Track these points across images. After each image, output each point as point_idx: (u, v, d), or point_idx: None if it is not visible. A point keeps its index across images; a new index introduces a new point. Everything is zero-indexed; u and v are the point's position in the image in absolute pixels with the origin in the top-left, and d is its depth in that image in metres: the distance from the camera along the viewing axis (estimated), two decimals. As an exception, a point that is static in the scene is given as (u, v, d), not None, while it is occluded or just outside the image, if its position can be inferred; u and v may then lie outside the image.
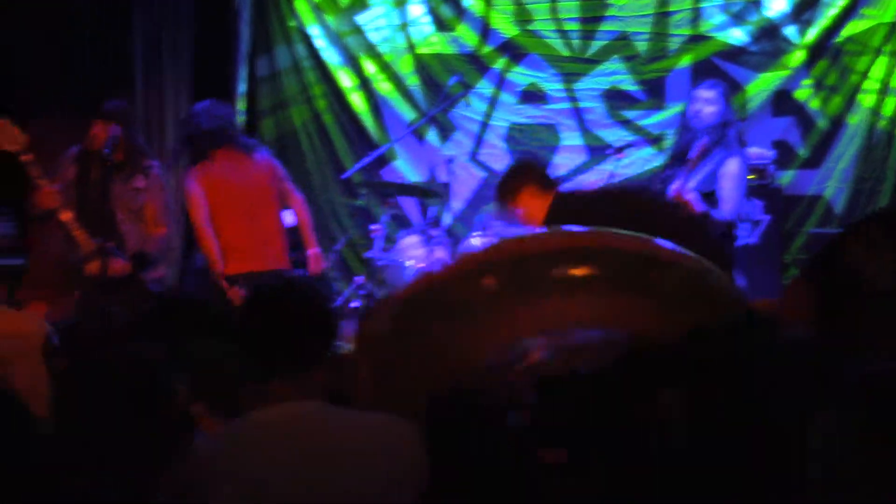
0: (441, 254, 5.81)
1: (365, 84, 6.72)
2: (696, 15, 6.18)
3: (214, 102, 4.97)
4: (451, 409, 2.03)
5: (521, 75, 6.52)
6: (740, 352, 1.40)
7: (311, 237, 5.14)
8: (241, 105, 6.68)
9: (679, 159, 4.73)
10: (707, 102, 4.65)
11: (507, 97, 6.57)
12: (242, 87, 6.73)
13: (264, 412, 2.09)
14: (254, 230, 4.81)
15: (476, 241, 5.45)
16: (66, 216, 4.49)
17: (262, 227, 4.80)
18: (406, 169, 6.72)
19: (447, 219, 6.41)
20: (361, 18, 6.72)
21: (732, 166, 4.56)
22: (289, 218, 5.84)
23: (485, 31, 6.56)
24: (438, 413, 2.04)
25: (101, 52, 6.24)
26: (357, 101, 6.76)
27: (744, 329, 1.49)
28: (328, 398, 2.13)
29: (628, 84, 6.33)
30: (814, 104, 5.98)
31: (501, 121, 6.55)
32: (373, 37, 6.70)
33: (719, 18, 6.15)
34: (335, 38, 6.74)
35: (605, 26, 6.36)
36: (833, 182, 5.91)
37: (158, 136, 6.38)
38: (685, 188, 4.45)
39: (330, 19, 6.72)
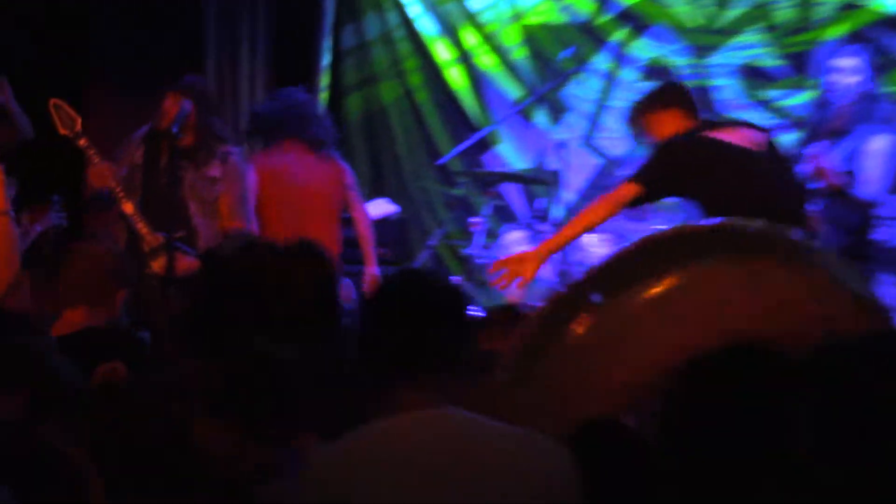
0: None
1: (464, 57, 7.39)
2: (849, -21, 6.83)
3: (294, 89, 5.60)
4: (607, 436, 2.18)
5: (643, 48, 7.10)
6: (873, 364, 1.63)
7: (372, 255, 5.62)
8: (324, 80, 7.39)
9: (814, 137, 5.15)
10: (848, 73, 4.98)
11: (627, 73, 7.15)
12: (326, 59, 7.41)
13: (390, 422, 2.13)
14: (303, 233, 5.11)
15: (591, 238, 5.98)
16: (128, 207, 4.92)
17: (312, 232, 4.90)
18: (511, 154, 7.36)
19: (558, 211, 6.81)
20: None
21: (879, 143, 4.92)
22: (376, 209, 6.63)
23: None
24: (592, 440, 2.16)
25: (169, 22, 6.98)
26: (455, 76, 7.44)
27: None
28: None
29: (768, 59, 6.77)
30: None
31: (620, 100, 7.01)
32: (474, 4, 7.36)
33: (876, -18, 6.54)
34: (432, 6, 7.41)
35: (747, -10, 7.01)
36: None
37: (232, 117, 7.06)
38: (823, 160, 4.80)
39: None
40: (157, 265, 4.86)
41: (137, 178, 5.16)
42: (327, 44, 7.43)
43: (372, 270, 5.67)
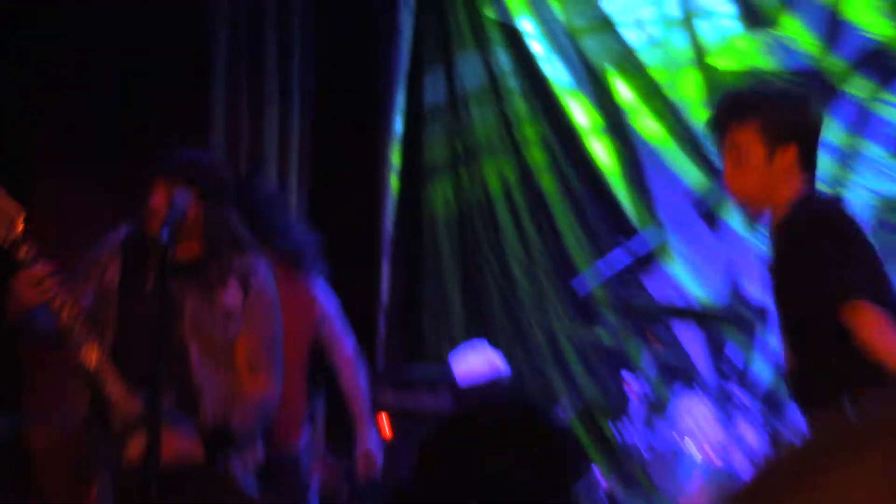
0: (750, 433, 6.19)
1: (615, 122, 7.50)
2: None
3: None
4: None
5: None
6: None
7: (365, 422, 5.82)
8: (395, 156, 7.66)
9: None
10: None
11: (872, 148, 7.10)
12: (398, 124, 7.67)
13: None
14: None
15: None
16: (90, 353, 4.92)
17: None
18: (687, 277, 7.36)
19: (762, 370, 6.77)
20: (613, 6, 7.53)
21: None
22: (471, 364, 6.88)
23: (833, 28, 7.16)
24: None
25: (167, 60, 7.22)
26: (600, 152, 7.53)
27: None
28: None
29: None
30: None
31: (862, 190, 7.03)
32: (632, 37, 7.48)
33: None
34: (564, 40, 7.53)
35: None
36: None
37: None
38: None
39: (556, 7, 7.50)
40: (134, 450, 4.89)
41: (110, 310, 5.19)
42: (400, 99, 7.74)
43: (366, 449, 5.75)
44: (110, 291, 5.20)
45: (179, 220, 4.92)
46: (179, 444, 4.92)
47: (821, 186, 6.77)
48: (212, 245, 5.19)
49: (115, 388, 4.94)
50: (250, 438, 5.24)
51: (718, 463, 6.22)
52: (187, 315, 5.16)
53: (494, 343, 7.17)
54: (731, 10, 7.40)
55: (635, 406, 6.54)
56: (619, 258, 6.77)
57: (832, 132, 7.14)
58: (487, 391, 6.84)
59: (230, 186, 5.38)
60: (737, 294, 7.20)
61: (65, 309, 4.93)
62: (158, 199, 5.08)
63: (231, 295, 5.23)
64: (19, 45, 7.06)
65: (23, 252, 4.87)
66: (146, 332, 4.83)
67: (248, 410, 5.21)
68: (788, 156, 4.57)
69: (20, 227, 4.90)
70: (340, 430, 6.23)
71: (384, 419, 6.92)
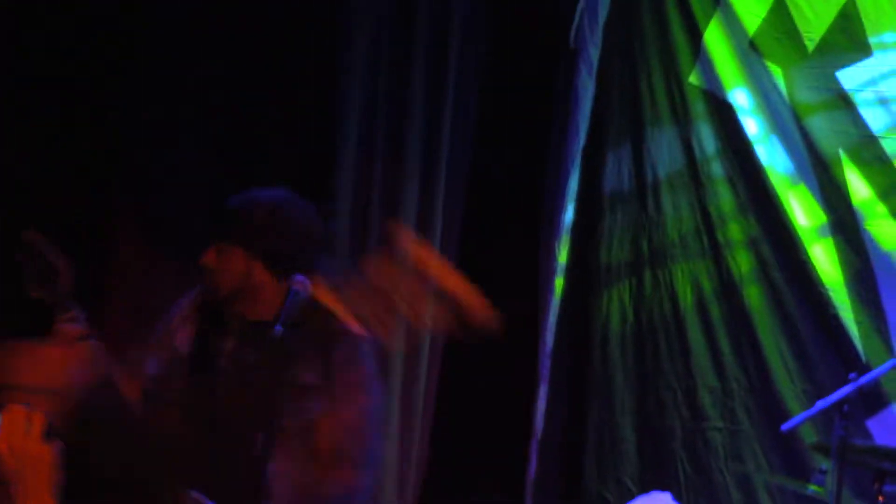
0: None
1: (845, 223, 6.93)
2: None
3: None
4: None
5: None
6: None
7: None
8: (562, 254, 7.13)
9: None
10: None
11: None
12: (568, 214, 7.18)
13: None
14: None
15: None
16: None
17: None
18: None
19: None
20: (851, 77, 6.96)
21: None
22: None
23: None
24: None
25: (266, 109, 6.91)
26: (823, 259, 6.93)
27: None
28: None
29: None
30: None
31: None
32: (873, 118, 6.88)
33: None
34: (787, 118, 6.97)
35: None
36: None
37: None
38: None
39: (778, 75, 6.98)
40: None
41: (178, 378, 5.01)
42: (574, 183, 7.20)
43: None
44: (179, 359, 5.03)
45: (293, 311, 4.66)
46: None
47: None
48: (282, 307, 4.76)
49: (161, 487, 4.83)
50: None
51: None
52: (257, 393, 4.88)
53: (676, 496, 6.53)
54: None
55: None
56: (840, 396, 5.94)
57: None
58: None
59: (304, 235, 5.06)
60: None
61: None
62: (206, 259, 4.98)
63: (308, 371, 4.92)
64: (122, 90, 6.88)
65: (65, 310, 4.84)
66: (213, 407, 4.91)
67: None
68: None
69: (67, 284, 4.85)
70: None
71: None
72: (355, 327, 5.05)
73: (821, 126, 6.95)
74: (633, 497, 6.61)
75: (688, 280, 7.15)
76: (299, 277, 4.75)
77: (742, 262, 7.03)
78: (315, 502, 4.91)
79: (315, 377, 4.90)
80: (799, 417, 6.18)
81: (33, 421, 3.55)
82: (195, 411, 5.01)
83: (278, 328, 4.55)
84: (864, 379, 5.97)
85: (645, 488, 6.71)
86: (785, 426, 6.20)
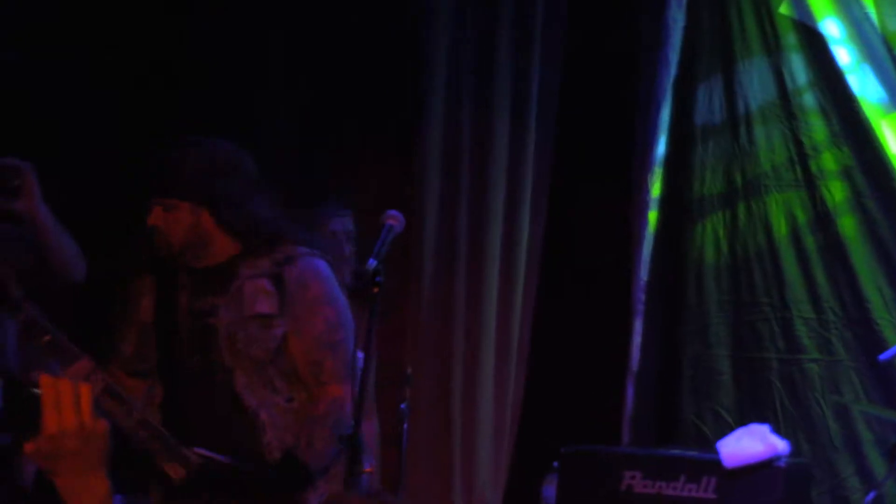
0: None
1: None
2: None
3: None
4: None
5: None
6: None
7: None
8: (655, 187, 7.17)
9: None
10: None
11: None
12: (660, 147, 7.21)
13: None
14: None
15: None
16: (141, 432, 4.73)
17: None
18: None
19: None
20: None
21: None
22: (747, 446, 6.29)
23: None
24: None
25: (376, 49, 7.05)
26: None
27: None
28: None
29: None
30: None
31: None
32: None
33: None
34: (879, 47, 6.95)
35: None
36: None
37: (470, 236, 7.18)
38: None
39: (870, 6, 6.96)
40: (173, 469, 4.74)
41: (149, 350, 5.02)
42: (665, 116, 7.23)
43: None
44: (149, 326, 5.08)
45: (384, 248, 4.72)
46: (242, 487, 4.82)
47: None
48: (237, 240, 4.90)
49: (156, 443, 4.72)
50: (329, 466, 4.94)
51: None
52: (221, 335, 4.87)
53: (775, 427, 6.55)
54: None
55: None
56: None
57: None
58: (761, 476, 6.35)
59: (240, 174, 5.02)
60: None
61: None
62: (152, 219, 4.92)
63: (262, 299, 4.89)
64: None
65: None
66: (184, 370, 4.95)
67: (320, 434, 4.87)
68: None
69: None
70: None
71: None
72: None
73: None
74: (730, 429, 6.66)
75: (782, 211, 7.13)
76: (393, 212, 4.81)
77: (836, 192, 7.01)
78: (311, 424, 4.90)
79: (270, 303, 4.91)
80: (891, 351, 6.31)
81: (82, 394, 3.36)
82: (172, 371, 5.05)
83: (372, 262, 4.60)
84: None
85: (742, 420, 6.76)
86: (882, 356, 6.34)
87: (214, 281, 4.92)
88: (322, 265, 4.97)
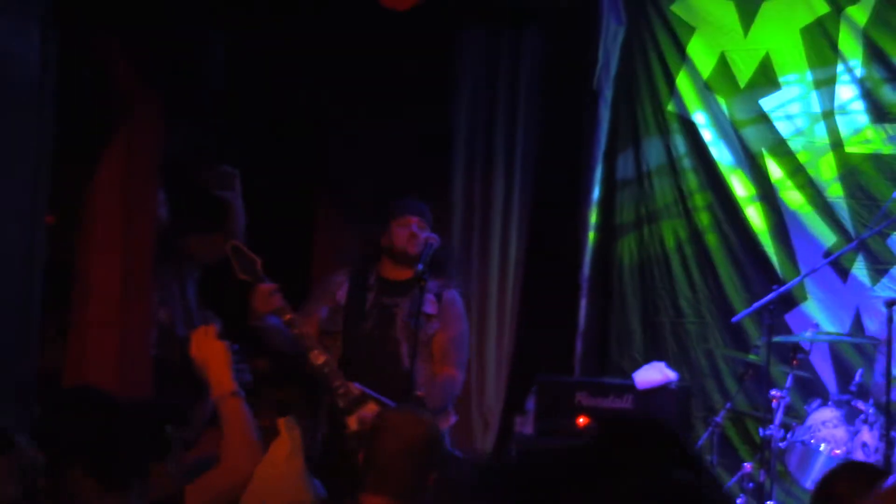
0: (868, 437, 7.15)
1: (767, 193, 8.45)
2: None
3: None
4: None
5: None
6: None
7: None
8: (593, 217, 8.73)
9: None
10: None
11: None
12: (596, 192, 8.73)
13: None
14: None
15: None
16: (317, 357, 5.86)
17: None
18: (821, 315, 8.26)
19: (878, 388, 7.49)
20: (767, 103, 8.51)
21: None
22: (649, 376, 7.91)
23: None
24: None
25: (412, 135, 8.45)
26: (754, 216, 8.51)
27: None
28: None
29: None
30: None
31: None
32: (782, 128, 8.46)
33: None
34: (729, 129, 8.54)
35: None
36: None
37: (480, 247, 8.62)
38: None
39: (723, 102, 8.58)
40: (353, 421, 5.88)
41: (338, 321, 6.26)
42: (598, 173, 8.75)
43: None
44: (341, 308, 6.32)
45: (429, 257, 6.08)
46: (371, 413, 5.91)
47: None
48: (427, 271, 6.17)
49: (335, 378, 5.90)
50: (439, 411, 6.06)
51: (843, 455, 7.20)
52: (398, 319, 6.25)
53: (669, 363, 8.12)
54: (862, 106, 8.42)
55: (778, 414, 7.43)
56: (767, 300, 7.59)
57: None
58: (660, 394, 7.84)
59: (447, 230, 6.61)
60: (859, 328, 8.23)
61: (289, 317, 5.92)
62: (407, 229, 6.34)
63: (429, 304, 6.23)
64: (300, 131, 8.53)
65: (265, 289, 5.97)
66: (367, 335, 6.18)
67: (435, 392, 6.13)
68: None
69: (259, 269, 6.06)
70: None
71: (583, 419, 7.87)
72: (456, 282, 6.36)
73: (750, 134, 8.52)
74: (640, 366, 8.15)
75: (670, 231, 8.66)
76: (432, 234, 6.36)
77: (704, 219, 8.59)
78: (434, 387, 6.16)
79: (433, 309, 6.21)
80: (743, 313, 7.85)
81: (209, 328, 4.53)
82: (351, 340, 6.19)
83: (419, 266, 6.03)
84: (781, 289, 7.65)
85: (647, 360, 8.29)
86: (734, 319, 8.00)
87: (399, 288, 6.23)
88: (459, 296, 6.42)
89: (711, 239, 8.64)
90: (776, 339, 7.67)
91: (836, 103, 8.47)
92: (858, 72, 8.44)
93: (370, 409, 5.93)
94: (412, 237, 6.40)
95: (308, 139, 8.45)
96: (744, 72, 8.66)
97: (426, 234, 6.41)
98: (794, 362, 7.66)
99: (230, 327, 5.63)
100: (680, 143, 8.70)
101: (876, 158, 8.32)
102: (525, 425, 7.92)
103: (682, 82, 8.76)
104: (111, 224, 6.61)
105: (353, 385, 6.01)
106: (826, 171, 8.46)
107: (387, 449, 4.36)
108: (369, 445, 4.44)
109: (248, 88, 7.78)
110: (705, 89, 8.67)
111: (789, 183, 8.52)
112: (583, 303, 8.86)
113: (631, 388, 7.91)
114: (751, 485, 7.46)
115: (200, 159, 6.91)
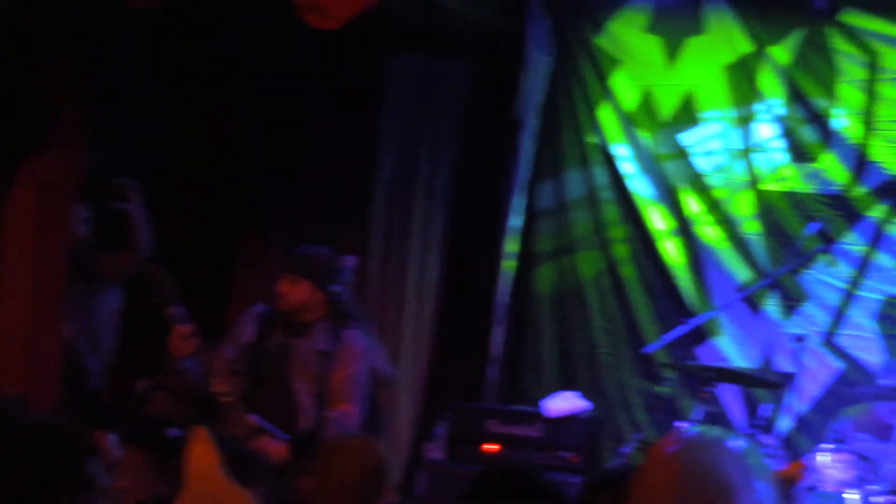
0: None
1: (684, 228, 8.54)
2: None
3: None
4: None
5: None
6: None
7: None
8: (511, 245, 8.77)
9: None
10: None
11: (884, 258, 8.13)
12: (516, 221, 8.78)
13: None
14: None
15: (825, 457, 6.92)
16: (219, 385, 6.18)
17: None
18: (732, 349, 8.33)
19: (784, 423, 7.66)
20: (688, 138, 8.62)
21: None
22: (563, 404, 7.91)
23: (860, 164, 8.23)
24: None
25: (338, 164, 8.76)
26: (671, 250, 8.58)
27: None
28: None
29: None
30: None
31: (874, 291, 8.08)
32: (701, 164, 8.56)
33: None
34: (649, 163, 8.63)
35: None
36: None
37: (397, 273, 8.75)
38: None
39: (644, 137, 8.67)
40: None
41: (245, 359, 6.51)
42: (519, 203, 8.81)
43: None
44: (248, 346, 6.58)
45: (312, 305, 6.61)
46: (271, 447, 6.22)
47: (840, 286, 8.05)
48: (325, 314, 6.55)
49: (231, 408, 6.21)
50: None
51: None
52: (294, 356, 6.53)
53: (582, 392, 8.15)
54: (781, 145, 8.52)
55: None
56: (680, 332, 7.78)
57: (853, 245, 8.33)
58: (570, 423, 7.87)
59: (338, 274, 6.69)
60: (768, 364, 8.28)
61: (189, 347, 6.18)
62: (282, 287, 6.54)
63: (325, 343, 6.55)
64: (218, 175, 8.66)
65: (172, 313, 6.21)
66: (268, 372, 6.47)
67: (328, 427, 6.41)
68: None
69: (172, 295, 6.29)
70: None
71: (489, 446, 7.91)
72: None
73: (670, 168, 8.60)
74: (548, 393, 8.11)
75: (587, 262, 8.71)
76: (350, 256, 6.72)
77: (621, 252, 8.63)
78: (329, 423, 6.37)
79: (330, 347, 6.46)
80: (655, 344, 7.97)
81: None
82: (253, 378, 6.44)
83: (339, 287, 6.41)
84: (692, 322, 7.91)
85: (560, 389, 8.19)
86: (645, 349, 8.12)
87: (301, 328, 6.45)
88: (360, 337, 6.63)
89: (628, 271, 8.73)
90: (687, 370, 7.98)
91: (756, 141, 8.58)
92: (779, 111, 8.57)
93: (264, 442, 6.22)
94: (278, 296, 6.64)
95: (228, 166, 8.63)
96: (666, 107, 8.78)
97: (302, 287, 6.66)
98: (703, 395, 7.61)
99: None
100: (600, 175, 8.81)
101: (792, 196, 8.44)
102: (435, 451, 7.92)
103: (605, 114, 8.87)
104: (24, 239, 6.72)
105: (250, 417, 6.30)
106: (743, 208, 8.56)
107: (340, 471, 4.53)
108: (320, 471, 4.60)
109: (171, 114, 8.04)
110: (628, 122, 8.79)
111: (707, 218, 8.63)
112: (497, 331, 8.91)
113: (541, 416, 7.92)
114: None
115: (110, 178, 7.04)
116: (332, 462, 4.57)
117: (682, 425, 7.51)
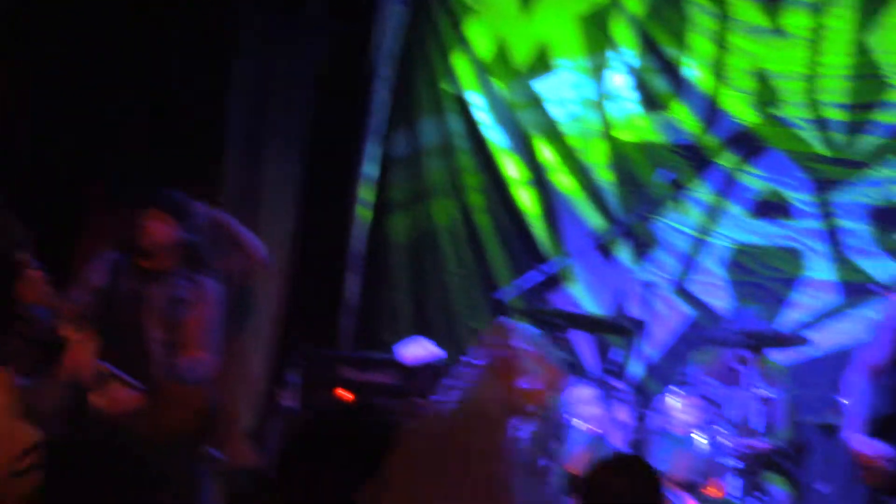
0: (624, 415, 7.24)
1: (538, 176, 8.59)
2: None
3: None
4: None
5: (756, 178, 8.16)
6: None
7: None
8: (365, 194, 8.76)
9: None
10: None
11: (734, 207, 8.21)
12: (371, 169, 8.76)
13: None
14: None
15: (675, 402, 7.04)
16: (68, 331, 5.79)
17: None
18: (584, 295, 8.40)
19: (636, 368, 7.65)
20: (542, 86, 8.65)
21: None
22: (416, 351, 7.90)
23: (711, 113, 8.32)
24: None
25: (188, 111, 8.43)
26: (525, 198, 8.62)
27: None
28: None
29: (908, 200, 7.76)
30: None
31: (723, 239, 8.19)
32: (555, 112, 8.59)
33: None
34: (503, 111, 8.64)
35: (884, 116, 7.87)
36: None
37: (250, 222, 8.29)
38: None
39: (498, 85, 8.66)
40: (96, 398, 5.96)
41: (98, 303, 6.44)
42: (373, 150, 8.81)
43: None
44: (101, 290, 6.55)
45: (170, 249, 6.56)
46: (124, 397, 6.11)
47: (690, 233, 8.08)
48: (180, 260, 6.57)
49: (83, 356, 5.82)
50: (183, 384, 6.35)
51: (598, 433, 7.24)
52: (148, 302, 6.52)
53: (436, 340, 8.12)
54: (634, 95, 8.57)
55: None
56: (533, 278, 7.80)
57: (703, 193, 8.40)
58: (425, 370, 7.83)
59: (194, 219, 6.71)
60: (620, 310, 8.27)
61: (38, 291, 5.76)
62: (145, 222, 6.56)
63: (182, 290, 6.55)
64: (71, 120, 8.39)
65: (22, 260, 5.75)
66: (121, 317, 6.42)
67: (183, 373, 6.43)
68: None
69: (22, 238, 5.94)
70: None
71: (343, 392, 7.82)
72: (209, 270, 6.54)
73: (525, 117, 8.60)
74: (403, 340, 8.09)
75: (442, 211, 8.73)
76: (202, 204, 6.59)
77: (476, 200, 8.66)
78: (177, 367, 6.41)
79: (186, 294, 6.50)
80: (508, 291, 7.90)
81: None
82: (104, 324, 6.16)
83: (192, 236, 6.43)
84: (545, 269, 7.88)
85: (413, 334, 8.24)
86: (496, 294, 8.04)
87: (155, 275, 6.48)
88: (214, 284, 6.67)
89: (482, 219, 8.75)
90: (540, 315, 7.73)
91: (609, 90, 8.60)
92: (632, 61, 8.59)
93: (114, 388, 6.13)
94: (141, 231, 6.65)
95: (81, 114, 8.36)
96: (520, 55, 8.77)
97: (172, 228, 6.67)
98: (556, 340, 7.54)
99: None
100: (455, 123, 8.81)
101: (644, 146, 8.46)
102: (289, 399, 7.81)
103: (459, 63, 8.86)
104: None
105: (101, 364, 6.13)
106: (597, 157, 8.59)
107: (170, 418, 4.66)
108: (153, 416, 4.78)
109: (17, 59, 7.90)
110: (482, 71, 8.79)
111: (561, 167, 8.64)
112: (352, 278, 8.94)
113: (395, 363, 7.90)
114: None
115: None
116: (165, 410, 4.67)
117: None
